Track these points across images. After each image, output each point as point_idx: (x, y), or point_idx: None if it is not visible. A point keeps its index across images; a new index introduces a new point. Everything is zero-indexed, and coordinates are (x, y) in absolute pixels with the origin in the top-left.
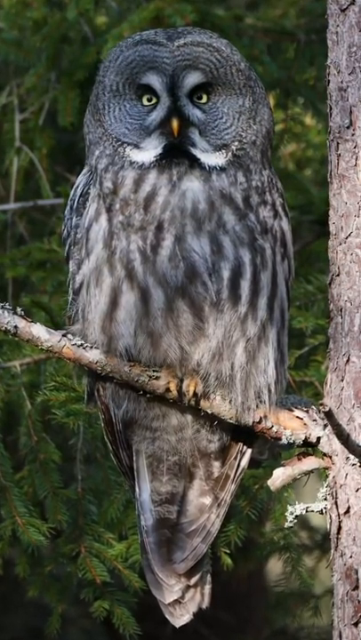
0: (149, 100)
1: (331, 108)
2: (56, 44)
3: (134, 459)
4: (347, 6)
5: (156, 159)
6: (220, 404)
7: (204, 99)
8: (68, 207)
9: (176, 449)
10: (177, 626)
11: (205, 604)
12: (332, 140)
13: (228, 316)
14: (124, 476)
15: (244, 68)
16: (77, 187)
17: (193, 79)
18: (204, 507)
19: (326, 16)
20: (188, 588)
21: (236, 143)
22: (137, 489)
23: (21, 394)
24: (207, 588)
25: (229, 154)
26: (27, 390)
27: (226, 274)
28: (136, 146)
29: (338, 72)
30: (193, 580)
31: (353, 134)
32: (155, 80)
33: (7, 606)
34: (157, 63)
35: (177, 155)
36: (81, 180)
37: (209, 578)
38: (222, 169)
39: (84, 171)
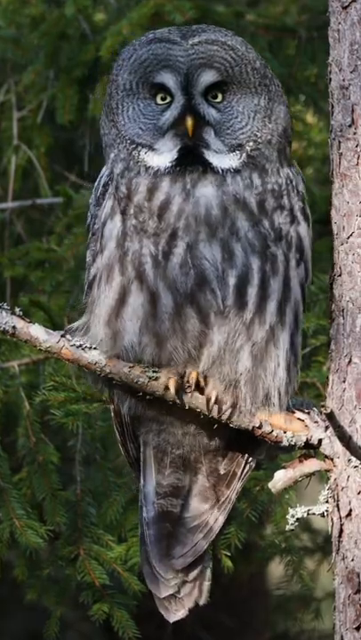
0: (163, 99)
1: (332, 107)
2: (54, 42)
3: (141, 450)
4: (348, 3)
5: (171, 164)
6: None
7: (219, 97)
8: (92, 195)
9: (181, 442)
10: (171, 621)
11: (203, 601)
12: (334, 139)
13: (232, 323)
14: (130, 466)
15: (259, 66)
16: (101, 176)
17: (208, 78)
18: (209, 503)
19: (328, 13)
20: (184, 583)
21: (251, 143)
22: (142, 480)
23: (20, 394)
24: (206, 584)
25: (244, 154)
26: (25, 391)
27: (232, 280)
28: (150, 147)
29: (340, 70)
30: (191, 576)
31: (355, 133)
32: (169, 79)
33: (5, 609)
34: (171, 62)
35: (191, 161)
36: (104, 170)
37: (209, 574)
38: (236, 171)
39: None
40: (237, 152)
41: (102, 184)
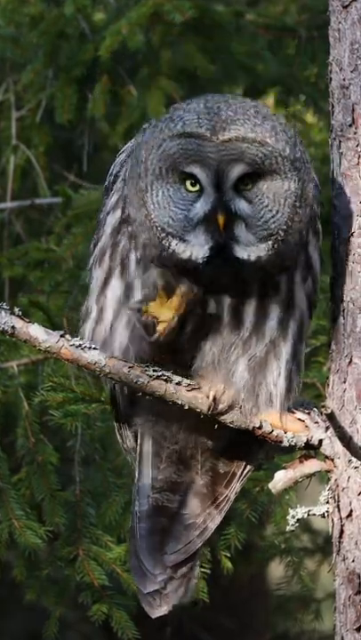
0: (193, 185)
1: (333, 106)
2: (53, 41)
3: (138, 441)
4: (349, 3)
5: (203, 261)
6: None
7: (250, 186)
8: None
9: (176, 437)
10: (153, 617)
11: (187, 599)
12: (335, 139)
13: (227, 338)
14: (126, 454)
15: (288, 152)
16: (115, 165)
17: (238, 171)
18: (207, 501)
19: (328, 13)
20: (171, 579)
21: (282, 232)
22: (136, 473)
23: (19, 395)
24: (193, 582)
25: (273, 244)
26: (24, 391)
27: (227, 300)
28: (181, 239)
29: (340, 69)
30: (179, 573)
31: (355, 133)
32: (199, 172)
33: (4, 610)
34: (202, 157)
35: (222, 258)
36: (117, 160)
37: (196, 572)
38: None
39: (127, 145)
40: (268, 242)
41: (113, 173)
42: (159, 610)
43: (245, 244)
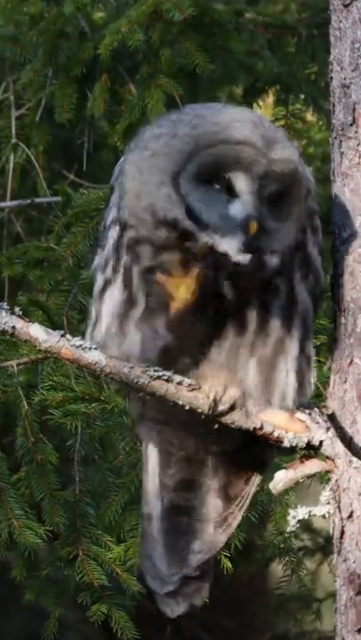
0: (220, 189)
1: (334, 106)
2: (53, 40)
3: (144, 444)
4: (350, 2)
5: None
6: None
7: (277, 205)
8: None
9: (184, 444)
10: (171, 617)
11: (201, 600)
12: (335, 138)
13: (232, 342)
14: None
15: (301, 171)
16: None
17: (273, 188)
18: (228, 498)
19: (328, 11)
20: (187, 579)
21: (287, 249)
22: (143, 474)
23: (18, 394)
24: (208, 582)
25: (280, 259)
26: (24, 390)
27: (229, 304)
28: (217, 235)
29: (341, 69)
30: (197, 572)
31: (356, 132)
32: (242, 181)
33: (3, 610)
34: (250, 167)
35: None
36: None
37: (211, 573)
38: None
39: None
40: (277, 256)
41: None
42: (177, 611)
43: (267, 252)
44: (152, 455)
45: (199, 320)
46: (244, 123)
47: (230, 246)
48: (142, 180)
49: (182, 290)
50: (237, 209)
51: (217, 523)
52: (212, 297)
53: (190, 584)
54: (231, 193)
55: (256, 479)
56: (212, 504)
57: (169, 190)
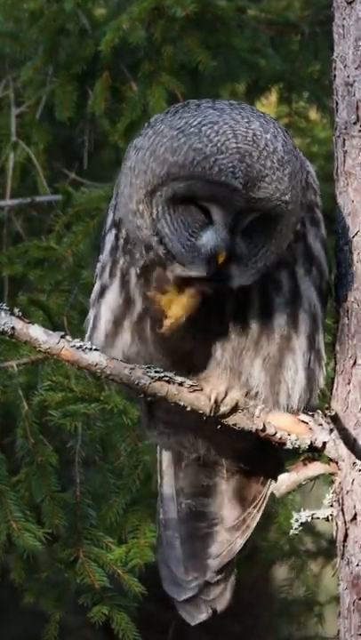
0: (200, 214)
1: (337, 104)
2: (53, 37)
3: (157, 449)
4: None
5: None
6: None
7: (251, 229)
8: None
9: (195, 447)
10: (192, 624)
11: (224, 604)
12: (339, 137)
13: (236, 342)
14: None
15: (295, 198)
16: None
17: (251, 217)
18: (244, 501)
19: (332, 9)
20: (209, 584)
21: (268, 263)
22: (159, 479)
23: (18, 395)
24: (229, 585)
25: (257, 274)
26: (24, 391)
27: (229, 306)
28: (182, 265)
29: (344, 66)
30: (218, 577)
31: (360, 130)
32: (217, 213)
33: (3, 614)
34: (227, 204)
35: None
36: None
37: (233, 577)
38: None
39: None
40: (255, 274)
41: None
42: (198, 617)
43: (234, 277)
44: (165, 460)
45: (190, 337)
46: (228, 156)
47: (198, 273)
48: (127, 192)
49: (175, 308)
50: (208, 237)
51: (235, 526)
52: (208, 315)
53: (211, 589)
54: (208, 217)
55: (272, 480)
56: (229, 508)
57: (143, 207)
